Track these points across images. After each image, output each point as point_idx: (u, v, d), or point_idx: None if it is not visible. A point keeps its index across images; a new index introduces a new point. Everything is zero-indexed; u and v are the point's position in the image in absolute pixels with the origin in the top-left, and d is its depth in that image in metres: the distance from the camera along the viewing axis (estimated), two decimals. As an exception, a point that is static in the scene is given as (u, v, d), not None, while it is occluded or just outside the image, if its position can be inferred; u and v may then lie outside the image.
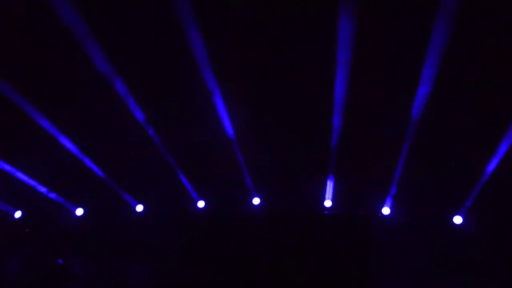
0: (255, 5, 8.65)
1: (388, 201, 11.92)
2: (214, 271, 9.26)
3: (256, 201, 12.65)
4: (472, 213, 11.44)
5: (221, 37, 9.63)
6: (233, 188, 12.57)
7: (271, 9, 8.65)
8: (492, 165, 10.33)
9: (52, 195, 12.77)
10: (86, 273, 10.00)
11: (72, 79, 10.74)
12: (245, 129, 11.46)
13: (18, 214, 13.25)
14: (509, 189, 11.11)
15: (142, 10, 8.99)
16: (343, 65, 8.74)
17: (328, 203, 12.22)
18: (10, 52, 9.67)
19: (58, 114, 10.99)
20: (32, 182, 12.33)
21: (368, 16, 7.79)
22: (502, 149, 9.85)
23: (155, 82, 11.16)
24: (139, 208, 13.15)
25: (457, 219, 11.62)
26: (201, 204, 12.87)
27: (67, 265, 9.13)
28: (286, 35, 9.09)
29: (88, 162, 12.12)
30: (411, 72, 8.82)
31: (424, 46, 8.03)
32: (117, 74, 9.86)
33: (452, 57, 8.10)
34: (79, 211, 13.19)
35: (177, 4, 8.12)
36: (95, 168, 12.29)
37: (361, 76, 9.30)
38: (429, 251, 11.35)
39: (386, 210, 12.01)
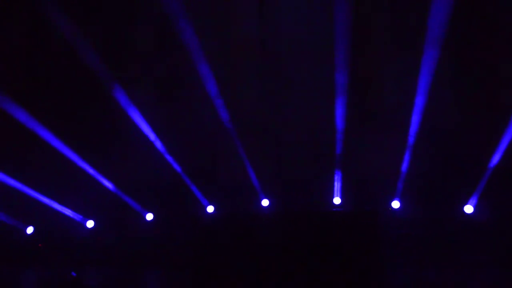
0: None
1: (398, 194, 11.84)
2: (227, 274, 9.25)
3: (265, 202, 12.63)
4: (483, 202, 11.33)
5: (222, 44, 9.76)
6: (241, 191, 12.57)
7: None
8: (499, 152, 10.27)
9: (63, 209, 12.86)
10: (100, 284, 10.05)
11: (75, 93, 10.95)
12: (249, 131, 11.49)
13: (30, 230, 13.36)
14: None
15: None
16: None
17: (337, 200, 12.17)
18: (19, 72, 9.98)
19: (62, 128, 11.12)
20: (42, 198, 12.43)
21: None
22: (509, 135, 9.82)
23: (158, 88, 11.27)
24: (149, 216, 13.18)
25: (468, 209, 11.52)
26: (210, 209, 12.87)
27: (81, 277, 9.17)
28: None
29: (95, 174, 12.20)
30: (413, 60, 8.85)
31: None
32: (116, 81, 10.03)
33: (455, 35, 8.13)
34: (90, 223, 13.25)
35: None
36: (103, 179, 12.36)
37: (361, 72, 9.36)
38: (441, 243, 11.23)
39: (396, 204, 11.94)
